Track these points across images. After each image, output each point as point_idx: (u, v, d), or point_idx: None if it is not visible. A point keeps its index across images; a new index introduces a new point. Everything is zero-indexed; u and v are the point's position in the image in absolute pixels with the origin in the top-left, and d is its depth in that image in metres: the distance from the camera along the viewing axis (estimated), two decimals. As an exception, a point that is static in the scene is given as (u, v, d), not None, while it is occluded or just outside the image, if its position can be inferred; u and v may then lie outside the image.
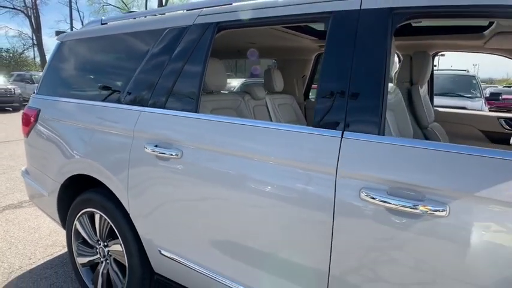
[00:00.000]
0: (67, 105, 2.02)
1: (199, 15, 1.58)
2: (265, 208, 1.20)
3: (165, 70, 1.60)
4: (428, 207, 0.91)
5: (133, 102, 1.69)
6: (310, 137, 1.14)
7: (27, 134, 2.28)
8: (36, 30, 26.00)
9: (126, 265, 1.76)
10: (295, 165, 1.15)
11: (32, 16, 24.76)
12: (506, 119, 2.25)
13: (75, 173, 1.89)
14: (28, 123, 2.25)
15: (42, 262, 2.46)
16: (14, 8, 25.00)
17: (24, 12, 25.11)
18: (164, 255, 1.57)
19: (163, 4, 29.39)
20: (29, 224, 3.07)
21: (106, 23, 2.10)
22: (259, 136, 1.24)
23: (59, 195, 2.04)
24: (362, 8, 1.15)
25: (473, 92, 6.25)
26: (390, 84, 1.69)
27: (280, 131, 1.21)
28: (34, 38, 26.65)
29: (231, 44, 2.57)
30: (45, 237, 2.83)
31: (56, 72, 2.25)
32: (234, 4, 1.50)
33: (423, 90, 2.16)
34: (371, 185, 1.01)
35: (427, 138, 2.04)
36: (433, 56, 2.44)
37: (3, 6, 24.51)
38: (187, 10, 1.69)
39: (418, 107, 1.99)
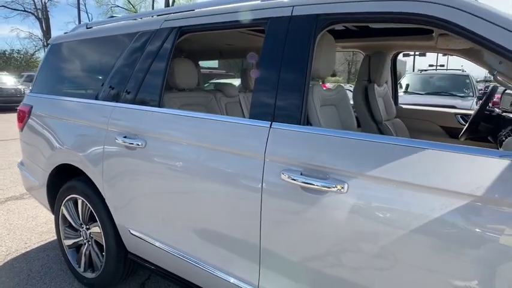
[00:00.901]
0: (54, 101, 2.23)
1: (165, 20, 1.76)
2: (211, 189, 1.38)
3: (135, 69, 1.79)
4: (331, 185, 1.07)
5: (108, 98, 1.88)
6: (246, 127, 1.32)
7: (21, 128, 2.51)
8: (46, 31, 26.64)
9: (104, 245, 1.96)
10: (235, 152, 1.32)
11: (42, 18, 25.41)
12: (462, 115, 2.38)
13: (61, 163, 2.10)
14: (22, 118, 2.47)
15: (37, 246, 2.68)
16: (24, 11, 25.74)
17: (34, 15, 25.82)
18: (133, 235, 1.76)
19: (170, 4, 29.78)
20: (28, 214, 3.31)
21: (91, 27, 2.30)
22: (206, 127, 1.42)
23: (48, 183, 2.25)
24: (293, 14, 1.32)
25: (466, 91, 6.31)
26: (333, 83, 1.84)
27: (224, 122, 1.39)
28: (44, 39, 27.32)
29: (212, 46, 2.75)
30: (41, 225, 3.05)
31: (47, 71, 2.46)
32: (195, 11, 1.68)
33: (384, 88, 2.31)
34: (289, 167, 1.18)
35: (381, 133, 2.18)
36: (395, 56, 2.58)
37: (15, 9, 25.25)
38: (158, 15, 1.88)
39: (373, 103, 2.14)
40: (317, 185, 1.10)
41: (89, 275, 2.10)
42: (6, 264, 2.42)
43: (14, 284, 2.17)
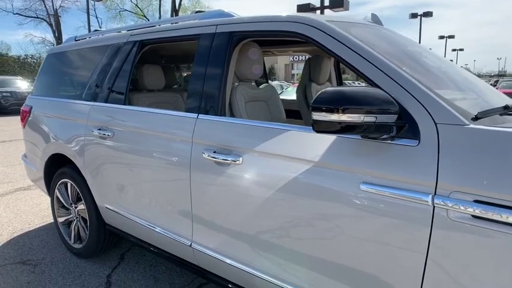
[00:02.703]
0: (48, 102, 2.68)
1: (131, 35, 2.18)
2: (157, 167, 1.78)
3: (108, 74, 2.21)
4: (233, 158, 1.46)
5: (89, 99, 2.31)
6: (181, 118, 1.71)
7: (24, 126, 2.96)
8: (58, 37, 27.66)
9: (88, 219, 2.39)
10: (173, 138, 1.72)
11: (54, 24, 26.44)
12: None
13: (53, 153, 2.54)
14: (24, 117, 2.93)
15: (38, 227, 3.14)
16: (37, 17, 26.82)
17: (46, 21, 26.90)
18: (108, 209, 2.18)
19: (177, 8, 30.34)
20: (33, 201, 3.79)
21: (78, 40, 2.74)
22: (155, 119, 1.83)
23: (45, 170, 2.70)
24: (216, 31, 1.71)
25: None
26: (264, 84, 2.21)
27: (168, 116, 1.79)
28: (56, 44, 28.37)
29: (187, 52, 3.16)
30: (44, 210, 3.52)
31: (44, 77, 2.91)
32: (152, 27, 2.09)
33: (325, 86, 2.66)
34: (208, 147, 1.57)
35: None
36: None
37: (28, 16, 26.35)
38: (127, 31, 2.29)
39: (310, 99, 2.50)
40: (223, 160, 1.49)
41: (77, 245, 2.54)
42: (12, 240, 2.88)
43: (18, 254, 2.62)
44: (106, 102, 2.18)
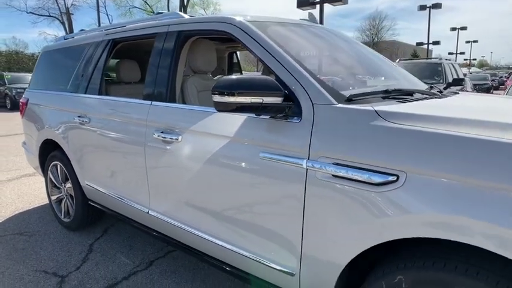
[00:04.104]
0: (41, 94, 3.04)
1: (105, 34, 2.50)
2: (121, 147, 2.11)
3: (87, 69, 2.54)
4: (174, 137, 1.76)
5: (72, 91, 2.65)
6: (139, 105, 2.03)
7: (22, 116, 3.34)
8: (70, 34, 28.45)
9: (74, 196, 2.75)
10: (133, 122, 2.04)
11: (66, 22, 27.24)
12: None
13: (45, 138, 2.91)
14: (22, 108, 3.31)
15: (37, 206, 3.54)
16: (50, 16, 27.68)
17: (58, 19, 27.73)
18: (88, 185, 2.53)
19: (185, 4, 30.66)
20: (36, 186, 4.20)
21: (67, 39, 3.08)
22: (120, 107, 2.15)
23: (39, 154, 3.07)
24: (168, 31, 2.00)
25: (437, 78, 6.69)
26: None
27: (129, 103, 2.11)
28: (69, 41, 29.11)
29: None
30: (44, 193, 3.92)
31: (39, 72, 3.28)
32: (121, 27, 2.40)
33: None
34: (158, 128, 1.87)
35: None
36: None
37: (41, 15, 27.23)
38: (104, 30, 2.61)
39: None
40: (169, 138, 1.79)
41: (67, 219, 2.91)
42: (13, 216, 3.28)
43: (17, 227, 3.01)
44: (85, 93, 2.51)
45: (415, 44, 29.92)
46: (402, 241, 1.23)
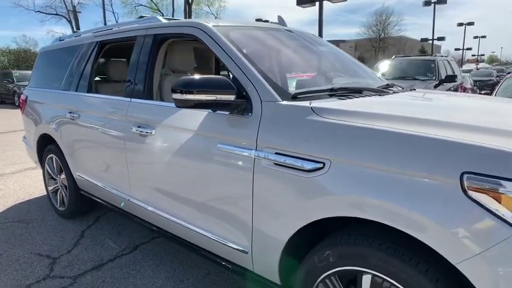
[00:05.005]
0: (39, 92, 3.26)
1: (95, 36, 2.70)
2: (105, 141, 2.31)
3: (78, 68, 2.74)
4: (149, 131, 1.95)
5: (65, 89, 2.86)
6: (119, 101, 2.22)
7: (22, 112, 3.57)
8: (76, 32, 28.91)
9: (67, 186, 2.97)
10: (115, 117, 2.23)
11: (72, 20, 27.70)
12: None
13: (42, 133, 3.13)
14: (22, 105, 3.54)
15: (37, 196, 3.78)
16: (57, 14, 28.17)
17: (66, 18, 28.20)
18: (80, 176, 2.74)
19: (190, 2, 30.81)
20: (37, 178, 4.45)
21: (62, 40, 3.29)
22: (104, 104, 2.35)
23: (37, 148, 3.30)
24: (146, 34, 2.19)
25: (429, 75, 6.77)
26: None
27: (112, 100, 2.30)
28: (76, 39, 29.57)
29: None
30: (44, 185, 4.17)
31: (37, 71, 3.50)
32: (108, 30, 2.60)
33: None
34: (136, 123, 2.06)
35: None
36: None
37: (48, 13, 27.75)
38: (94, 32, 2.81)
39: None
40: (143, 132, 1.98)
41: (62, 208, 3.14)
42: (14, 206, 3.52)
43: (17, 216, 3.25)
44: (76, 91, 2.72)
45: (420, 40, 29.62)
46: (333, 221, 1.40)
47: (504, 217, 0.97)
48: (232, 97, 1.53)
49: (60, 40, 3.32)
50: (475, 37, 44.05)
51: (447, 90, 6.74)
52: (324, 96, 1.62)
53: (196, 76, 1.51)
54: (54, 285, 2.17)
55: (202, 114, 1.72)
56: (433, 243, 1.06)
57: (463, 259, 1.01)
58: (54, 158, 3.10)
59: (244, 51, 1.74)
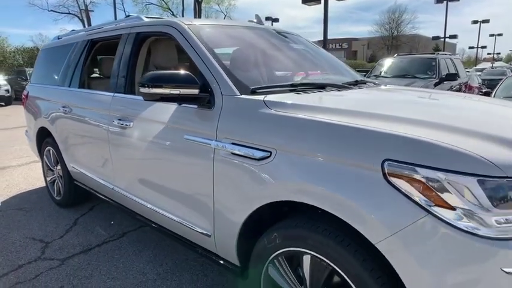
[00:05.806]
0: (38, 87, 3.46)
1: (86, 35, 2.86)
2: (92, 133, 2.46)
3: (71, 65, 2.91)
4: (127, 123, 2.09)
5: (60, 84, 3.03)
6: (104, 96, 2.37)
7: (24, 107, 3.78)
8: (90, 30, 29.60)
9: (63, 176, 3.15)
10: (100, 111, 2.38)
11: (85, 19, 28.36)
12: None
13: (40, 126, 3.32)
14: (24, 100, 3.75)
15: (38, 187, 3.99)
16: (69, 13, 28.92)
17: (78, 17, 28.89)
18: (73, 167, 2.92)
19: (199, 0, 31.02)
20: (40, 170, 4.65)
21: (60, 38, 3.47)
22: (90, 98, 2.51)
23: (36, 141, 3.50)
24: (130, 32, 2.33)
25: (429, 73, 6.74)
26: None
27: (97, 95, 2.46)
28: (89, 37, 30.25)
29: None
30: (46, 176, 4.39)
31: (38, 68, 3.70)
32: (98, 29, 2.75)
33: None
34: (118, 116, 2.20)
35: None
36: None
37: (61, 12, 28.50)
38: (86, 31, 2.97)
39: None
40: (123, 124, 2.12)
41: (58, 198, 3.33)
42: (17, 195, 3.74)
43: (18, 204, 3.46)
44: (69, 86, 2.89)
45: (431, 38, 29.12)
46: (280, 206, 1.49)
47: (417, 200, 1.06)
48: (196, 91, 1.64)
49: (58, 38, 3.50)
50: (491, 35, 42.98)
51: (449, 88, 6.71)
52: (285, 91, 1.72)
53: (162, 71, 1.64)
54: (44, 266, 2.35)
55: (172, 107, 1.85)
56: (358, 225, 1.16)
57: (381, 239, 1.10)
58: (51, 151, 3.29)
59: (214, 49, 1.85)
